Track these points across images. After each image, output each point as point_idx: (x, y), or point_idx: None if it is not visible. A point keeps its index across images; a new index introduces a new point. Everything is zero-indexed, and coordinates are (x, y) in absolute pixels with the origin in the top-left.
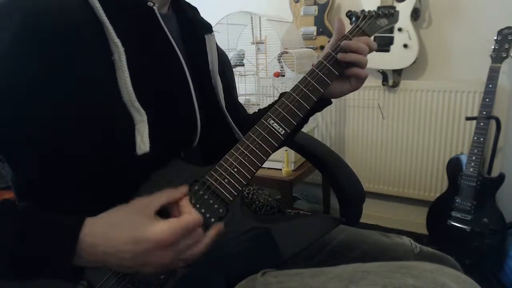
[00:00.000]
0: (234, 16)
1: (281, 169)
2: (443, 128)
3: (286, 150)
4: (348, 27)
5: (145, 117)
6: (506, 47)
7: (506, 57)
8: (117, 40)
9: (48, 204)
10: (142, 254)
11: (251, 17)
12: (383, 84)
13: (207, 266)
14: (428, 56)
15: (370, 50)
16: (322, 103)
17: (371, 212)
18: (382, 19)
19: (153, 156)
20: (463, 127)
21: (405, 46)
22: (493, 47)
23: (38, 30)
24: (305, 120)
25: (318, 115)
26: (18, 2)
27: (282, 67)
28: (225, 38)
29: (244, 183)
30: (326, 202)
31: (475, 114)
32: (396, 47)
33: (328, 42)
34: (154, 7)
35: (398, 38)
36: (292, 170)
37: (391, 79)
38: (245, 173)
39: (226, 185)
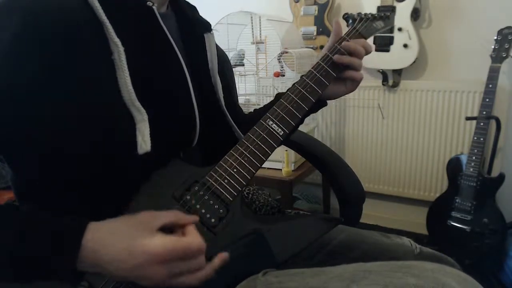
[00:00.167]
0: (234, 16)
1: (281, 169)
2: (443, 128)
3: (286, 150)
4: (344, 29)
5: (146, 116)
6: (506, 47)
7: (506, 57)
8: (117, 40)
9: (48, 204)
10: (136, 266)
11: (251, 17)
12: (383, 84)
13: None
14: (428, 56)
15: (367, 53)
16: (318, 104)
17: (371, 212)
18: (378, 21)
19: (152, 156)
20: (463, 127)
21: (405, 46)
22: (493, 47)
23: (38, 30)
24: (301, 121)
25: (318, 115)
26: (18, 2)
27: (282, 67)
28: (225, 38)
29: (244, 183)
30: (326, 202)
31: (475, 114)
32: (396, 47)
33: None
34: (153, 7)
35: (398, 38)
36: (292, 170)
37: (391, 79)
38: (244, 173)
39: (226, 185)
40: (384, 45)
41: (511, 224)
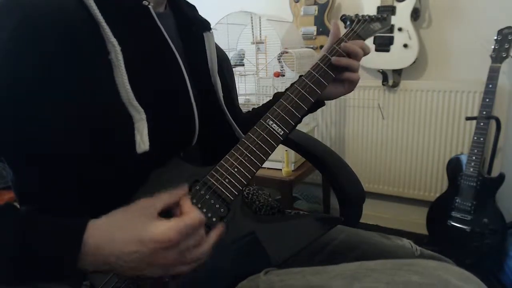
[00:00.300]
0: (234, 16)
1: (281, 169)
2: (443, 128)
3: (286, 150)
4: (342, 31)
5: (144, 116)
6: (506, 47)
7: (506, 57)
8: (114, 40)
9: (49, 204)
10: (147, 254)
11: (251, 17)
12: (383, 84)
13: (208, 266)
14: (428, 56)
15: (365, 54)
16: (317, 104)
17: (371, 212)
18: (375, 23)
19: (152, 156)
20: (463, 127)
21: (405, 46)
22: (493, 47)
23: (37, 30)
24: (300, 120)
25: (318, 115)
26: (16, 2)
27: (282, 67)
28: (225, 38)
29: (245, 183)
30: (326, 202)
31: (475, 114)
32: (396, 47)
33: None
34: (149, 6)
35: (398, 38)
36: (292, 170)
37: (391, 79)
38: (245, 173)
39: (227, 185)
40: (384, 45)
41: (511, 224)
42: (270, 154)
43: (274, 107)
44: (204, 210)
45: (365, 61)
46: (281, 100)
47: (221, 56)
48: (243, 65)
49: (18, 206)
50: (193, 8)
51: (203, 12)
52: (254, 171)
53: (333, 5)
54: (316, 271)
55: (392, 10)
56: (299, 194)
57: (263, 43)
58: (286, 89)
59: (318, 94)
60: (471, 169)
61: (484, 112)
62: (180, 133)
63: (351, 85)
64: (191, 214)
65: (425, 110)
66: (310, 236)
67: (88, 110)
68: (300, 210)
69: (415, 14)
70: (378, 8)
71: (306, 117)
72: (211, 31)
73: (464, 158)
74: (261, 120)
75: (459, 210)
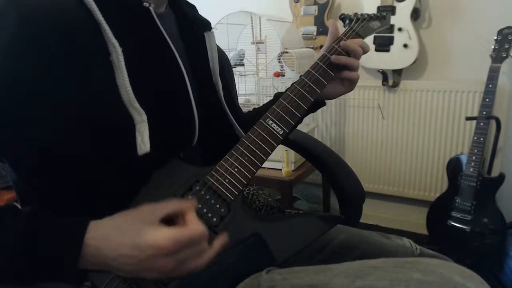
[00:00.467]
0: (234, 16)
1: (281, 169)
2: (443, 128)
3: (286, 150)
4: (341, 30)
5: (145, 117)
6: (506, 47)
7: (506, 57)
8: (115, 41)
9: (49, 205)
10: (144, 260)
11: (251, 17)
12: (383, 84)
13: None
14: (428, 56)
15: (364, 52)
16: (317, 104)
17: (371, 212)
18: (374, 21)
19: (152, 156)
20: (463, 127)
21: (405, 46)
22: (493, 47)
23: (36, 30)
24: (300, 120)
25: (318, 115)
26: (16, 2)
27: (282, 67)
28: (225, 38)
29: (245, 182)
30: (326, 202)
31: (475, 114)
32: (396, 47)
33: None
34: (150, 7)
35: (398, 38)
36: (292, 170)
37: (391, 79)
38: (245, 172)
39: (227, 185)
40: (384, 45)
41: (511, 224)
42: (270, 154)
43: (273, 106)
44: (205, 210)
45: (365, 61)
46: (280, 99)
47: (221, 56)
48: (243, 65)
49: (19, 206)
50: (193, 7)
51: (203, 12)
52: (254, 171)
53: (333, 5)
54: (318, 270)
55: (392, 10)
56: (299, 194)
57: (263, 43)
58: (287, 89)
59: (318, 93)
60: (471, 169)
61: (484, 112)
62: (180, 134)
63: (351, 84)
64: (194, 227)
65: (425, 110)
66: (311, 235)
67: (88, 111)
68: (300, 210)
69: (415, 14)
70: (378, 8)
71: (306, 117)
72: (212, 31)
73: (464, 158)
74: (260, 120)
75: (459, 210)
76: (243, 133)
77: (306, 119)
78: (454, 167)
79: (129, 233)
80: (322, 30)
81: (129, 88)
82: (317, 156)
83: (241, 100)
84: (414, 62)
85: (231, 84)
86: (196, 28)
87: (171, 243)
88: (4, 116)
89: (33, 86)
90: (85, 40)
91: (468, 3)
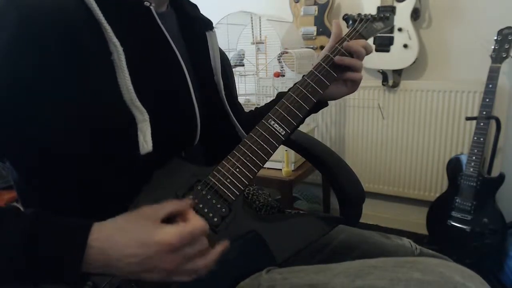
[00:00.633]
0: (234, 16)
1: (281, 169)
2: (443, 128)
3: (286, 150)
4: (344, 30)
5: (147, 117)
6: (506, 47)
7: (506, 57)
8: (116, 40)
9: (50, 205)
10: (150, 257)
11: (251, 17)
12: (383, 84)
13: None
14: (428, 56)
15: (367, 53)
16: (319, 105)
17: (371, 212)
18: (378, 22)
19: (153, 156)
20: (463, 127)
21: (405, 46)
22: (493, 47)
23: (37, 30)
24: (302, 120)
25: (318, 115)
26: (16, 1)
27: (282, 67)
28: (225, 38)
29: (246, 183)
30: (326, 202)
31: (475, 114)
32: (396, 47)
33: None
34: (151, 7)
35: (398, 38)
36: (292, 170)
37: (391, 79)
38: (247, 173)
39: (228, 185)
40: (384, 45)
41: (511, 224)
42: (271, 154)
43: (275, 107)
44: (206, 210)
45: (365, 61)
46: (282, 100)
47: (221, 55)
48: (243, 65)
49: (20, 206)
50: (195, 7)
51: (203, 12)
52: (256, 171)
53: (333, 5)
54: (318, 269)
55: (392, 10)
56: (299, 194)
57: (263, 43)
58: (289, 89)
59: (320, 94)
60: (471, 169)
61: (484, 112)
62: (181, 133)
63: (354, 84)
64: (194, 222)
65: (425, 110)
66: (312, 235)
67: (88, 110)
68: (300, 210)
69: (415, 14)
70: (378, 8)
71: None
72: (213, 30)
73: (464, 158)
74: (262, 120)
75: (459, 210)
76: (244, 133)
77: (306, 119)
78: (454, 167)
79: (134, 232)
80: (322, 30)
81: (131, 87)
82: (317, 156)
83: (241, 100)
84: (414, 62)
85: (232, 84)
86: (197, 27)
87: (177, 238)
88: (4, 116)
89: (33, 86)
90: (86, 40)
91: (468, 3)
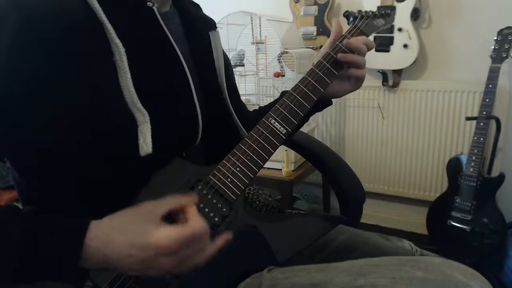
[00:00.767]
0: (234, 16)
1: (281, 169)
2: (443, 128)
3: (286, 150)
4: (345, 27)
5: (147, 118)
6: (506, 47)
7: (506, 57)
8: (118, 41)
9: (50, 205)
10: (146, 260)
11: (251, 17)
12: (383, 84)
13: (210, 265)
14: (428, 56)
15: (369, 49)
16: (323, 103)
17: (371, 212)
18: (379, 19)
19: (154, 156)
20: (463, 127)
21: (405, 46)
22: (493, 47)
23: (38, 30)
24: (305, 120)
25: (318, 115)
26: (17, 2)
27: (282, 67)
28: (225, 38)
29: (247, 182)
30: (326, 202)
31: (475, 114)
32: (396, 47)
33: None
34: (154, 7)
35: (398, 38)
36: (292, 170)
37: (391, 79)
38: (248, 172)
39: (229, 184)
40: (384, 45)
41: (511, 224)
42: (272, 153)
43: (276, 105)
44: (207, 209)
45: None
46: (283, 98)
47: (224, 55)
48: (243, 65)
49: (20, 206)
50: (197, 6)
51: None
52: (257, 170)
53: (333, 5)
54: (320, 268)
55: (392, 10)
56: (299, 194)
57: (263, 43)
58: (292, 88)
59: (321, 92)
60: (471, 169)
61: (484, 112)
62: (182, 134)
63: (358, 81)
64: (194, 224)
65: (425, 110)
66: (313, 235)
67: (89, 111)
68: (300, 210)
69: (415, 14)
70: (378, 8)
71: None
72: (216, 30)
73: (464, 158)
74: (263, 119)
75: (459, 210)
76: (246, 133)
77: None
78: (454, 167)
79: (131, 233)
80: (322, 30)
81: (132, 88)
82: (317, 156)
83: None
84: (414, 62)
85: (234, 83)
86: (200, 27)
87: (173, 243)
88: (4, 116)
89: (33, 86)
90: (87, 40)
91: (468, 3)
